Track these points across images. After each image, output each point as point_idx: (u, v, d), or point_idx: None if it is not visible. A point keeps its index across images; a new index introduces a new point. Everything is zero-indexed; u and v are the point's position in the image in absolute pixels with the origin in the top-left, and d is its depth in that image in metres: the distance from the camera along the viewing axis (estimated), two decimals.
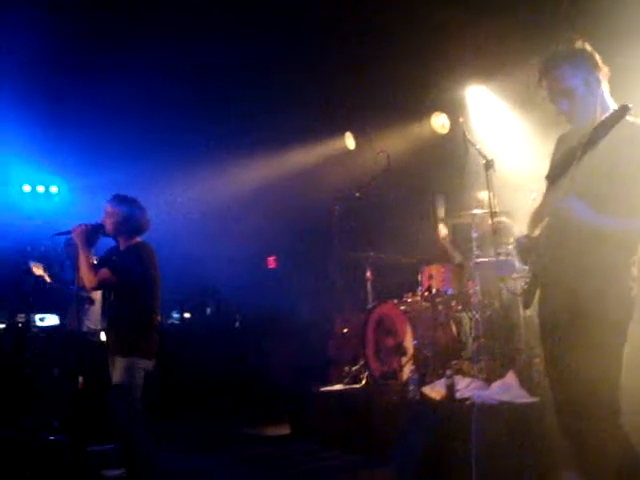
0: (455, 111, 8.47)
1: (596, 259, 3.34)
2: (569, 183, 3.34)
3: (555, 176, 3.54)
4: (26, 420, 6.73)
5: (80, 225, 5.36)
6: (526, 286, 3.62)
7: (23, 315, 10.33)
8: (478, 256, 6.92)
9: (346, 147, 10.51)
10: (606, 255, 3.33)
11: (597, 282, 3.33)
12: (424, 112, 9.23)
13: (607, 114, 3.40)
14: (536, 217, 3.73)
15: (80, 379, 5.45)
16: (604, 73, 3.55)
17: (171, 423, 8.42)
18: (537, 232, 3.63)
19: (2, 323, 10.78)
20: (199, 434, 8.29)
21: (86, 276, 5.25)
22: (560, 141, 3.77)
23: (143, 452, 5.09)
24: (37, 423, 6.73)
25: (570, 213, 3.35)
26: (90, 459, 5.65)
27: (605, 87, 3.56)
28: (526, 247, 3.63)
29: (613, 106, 3.51)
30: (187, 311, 12.75)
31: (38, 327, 10.64)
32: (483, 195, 6.89)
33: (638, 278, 3.40)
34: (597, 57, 3.56)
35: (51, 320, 10.67)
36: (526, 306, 3.70)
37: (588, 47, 3.57)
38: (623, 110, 3.30)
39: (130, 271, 5.24)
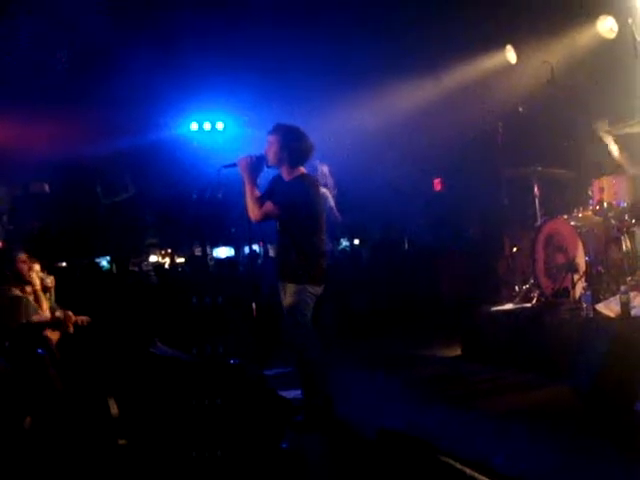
0: (623, 12, 7.94)
1: None
2: None
3: None
4: (205, 345, 7.09)
5: (245, 156, 5.51)
6: None
7: (200, 248, 10.89)
8: None
9: (507, 61, 10.11)
10: None
11: None
12: (589, 16, 8.70)
13: None
14: None
15: (253, 305, 5.67)
16: None
17: (344, 346, 8.65)
18: None
19: (182, 257, 11.44)
20: (371, 356, 8.45)
21: (251, 209, 5.40)
22: None
23: (317, 373, 5.28)
24: (215, 348, 7.07)
25: None
26: (268, 381, 5.88)
27: None
28: None
29: None
30: (356, 237, 12.93)
31: (215, 258, 11.19)
32: None
33: None
34: None
35: (226, 252, 11.20)
36: None
37: None
38: None
39: (294, 204, 5.34)
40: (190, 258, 11.38)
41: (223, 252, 11.39)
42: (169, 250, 11.81)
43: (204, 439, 4.69)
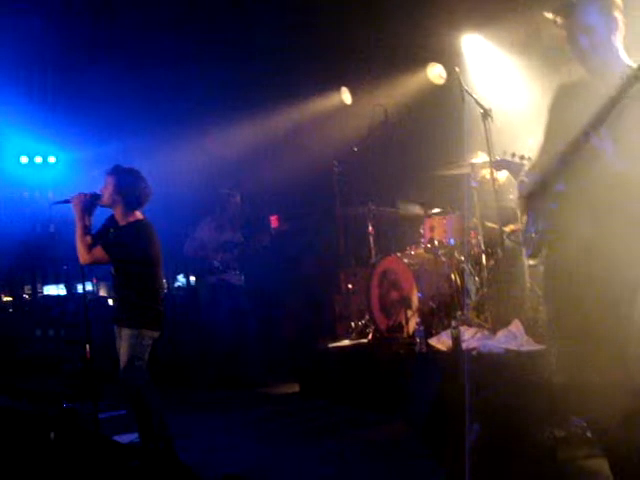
0: (451, 61, 8.34)
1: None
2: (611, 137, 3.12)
3: (586, 127, 3.19)
4: (37, 388, 6.79)
5: (79, 194, 5.34)
6: (534, 236, 3.48)
7: (29, 286, 10.39)
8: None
9: (342, 102, 10.39)
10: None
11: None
12: (420, 63, 9.09)
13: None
14: (545, 168, 3.50)
15: (87, 347, 5.46)
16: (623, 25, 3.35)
17: (181, 385, 8.50)
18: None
19: (8, 295, 10.82)
20: (209, 395, 8.34)
21: (80, 251, 5.22)
22: (564, 90, 3.57)
23: (155, 417, 5.14)
24: (48, 391, 6.79)
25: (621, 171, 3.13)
26: (102, 425, 5.68)
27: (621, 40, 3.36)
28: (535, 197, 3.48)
29: (627, 61, 3.33)
30: (192, 274, 12.73)
31: (44, 296, 10.71)
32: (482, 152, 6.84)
33: None
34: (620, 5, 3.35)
35: (56, 290, 10.74)
36: (533, 257, 3.58)
37: None
38: None
39: (126, 251, 5.25)
40: (18, 298, 10.79)
41: (54, 290, 10.91)
42: None
43: None
